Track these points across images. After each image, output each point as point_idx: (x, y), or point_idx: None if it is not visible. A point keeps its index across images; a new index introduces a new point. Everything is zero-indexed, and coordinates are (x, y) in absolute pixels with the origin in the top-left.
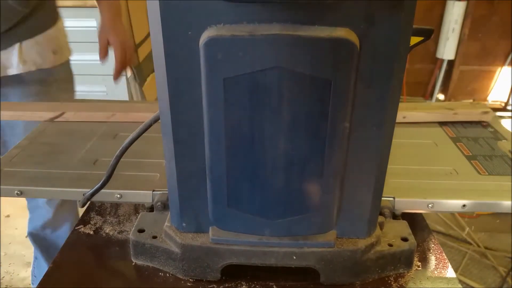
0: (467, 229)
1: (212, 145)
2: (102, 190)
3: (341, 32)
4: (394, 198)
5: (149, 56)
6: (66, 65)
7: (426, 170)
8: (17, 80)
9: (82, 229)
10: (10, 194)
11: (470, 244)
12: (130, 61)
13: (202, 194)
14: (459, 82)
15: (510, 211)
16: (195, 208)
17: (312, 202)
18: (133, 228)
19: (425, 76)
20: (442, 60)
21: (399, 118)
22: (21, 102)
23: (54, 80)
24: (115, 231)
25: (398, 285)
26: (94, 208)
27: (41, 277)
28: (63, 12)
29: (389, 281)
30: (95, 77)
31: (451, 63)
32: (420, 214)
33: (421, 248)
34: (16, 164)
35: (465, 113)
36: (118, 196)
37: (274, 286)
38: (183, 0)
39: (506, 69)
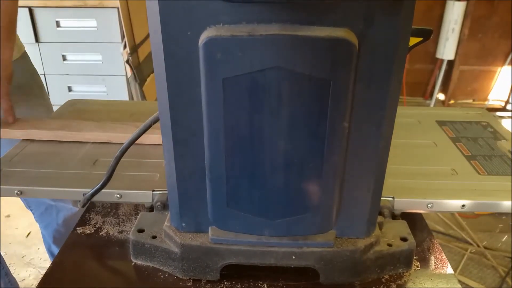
0: (467, 229)
1: (212, 145)
2: (102, 190)
3: (340, 32)
4: (393, 198)
5: (149, 56)
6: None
7: (425, 170)
8: None
9: (82, 229)
10: (10, 194)
11: (470, 244)
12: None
13: (201, 194)
14: (459, 82)
15: (510, 211)
16: (195, 208)
17: (311, 202)
18: (133, 228)
19: (425, 76)
20: (442, 60)
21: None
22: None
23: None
24: (115, 231)
25: (398, 285)
26: (94, 208)
27: None
28: (63, 12)
29: (389, 281)
30: (95, 77)
31: (451, 63)
32: (420, 214)
33: (420, 248)
34: (16, 164)
35: None
36: (118, 196)
37: (274, 286)
38: (182, 0)
39: (506, 69)
